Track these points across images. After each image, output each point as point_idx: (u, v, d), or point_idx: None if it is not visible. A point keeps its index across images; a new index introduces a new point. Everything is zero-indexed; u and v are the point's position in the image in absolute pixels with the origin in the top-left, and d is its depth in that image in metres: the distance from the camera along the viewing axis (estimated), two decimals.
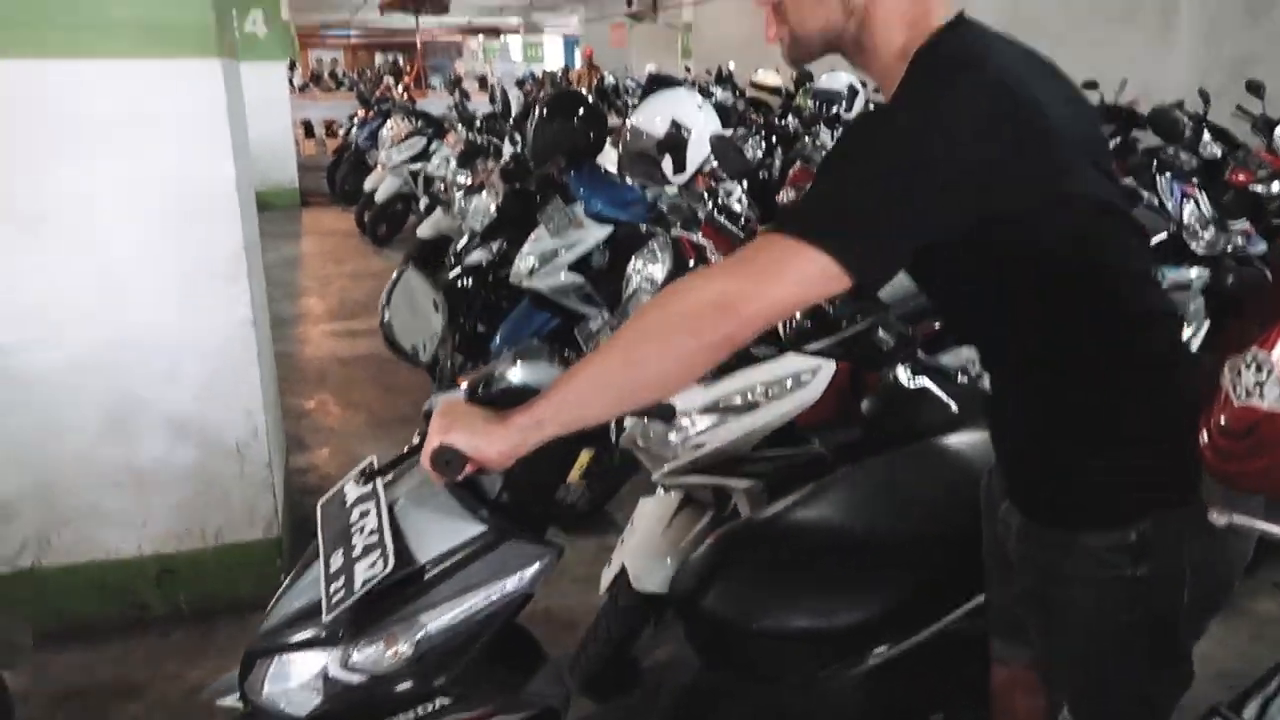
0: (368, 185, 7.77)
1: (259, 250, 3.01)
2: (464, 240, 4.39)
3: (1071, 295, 1.12)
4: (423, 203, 6.57)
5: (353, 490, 1.31)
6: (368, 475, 1.31)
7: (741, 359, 2.25)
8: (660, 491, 2.26)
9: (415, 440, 1.27)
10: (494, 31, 31.69)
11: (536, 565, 1.23)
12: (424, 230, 5.62)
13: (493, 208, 4.24)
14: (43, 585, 2.64)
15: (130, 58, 2.41)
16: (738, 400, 2.17)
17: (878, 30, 1.15)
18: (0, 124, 2.38)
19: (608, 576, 2.16)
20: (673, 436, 2.16)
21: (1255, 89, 6.22)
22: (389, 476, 1.32)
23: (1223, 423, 0.99)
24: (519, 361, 1.32)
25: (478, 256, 4.22)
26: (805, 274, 1.02)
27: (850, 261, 1.01)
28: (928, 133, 1.02)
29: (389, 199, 7.41)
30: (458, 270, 4.28)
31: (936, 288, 1.28)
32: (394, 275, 2.59)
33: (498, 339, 3.61)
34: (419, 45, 17.37)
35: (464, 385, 1.29)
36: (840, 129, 5.03)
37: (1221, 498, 1.01)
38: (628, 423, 2.34)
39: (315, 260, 7.41)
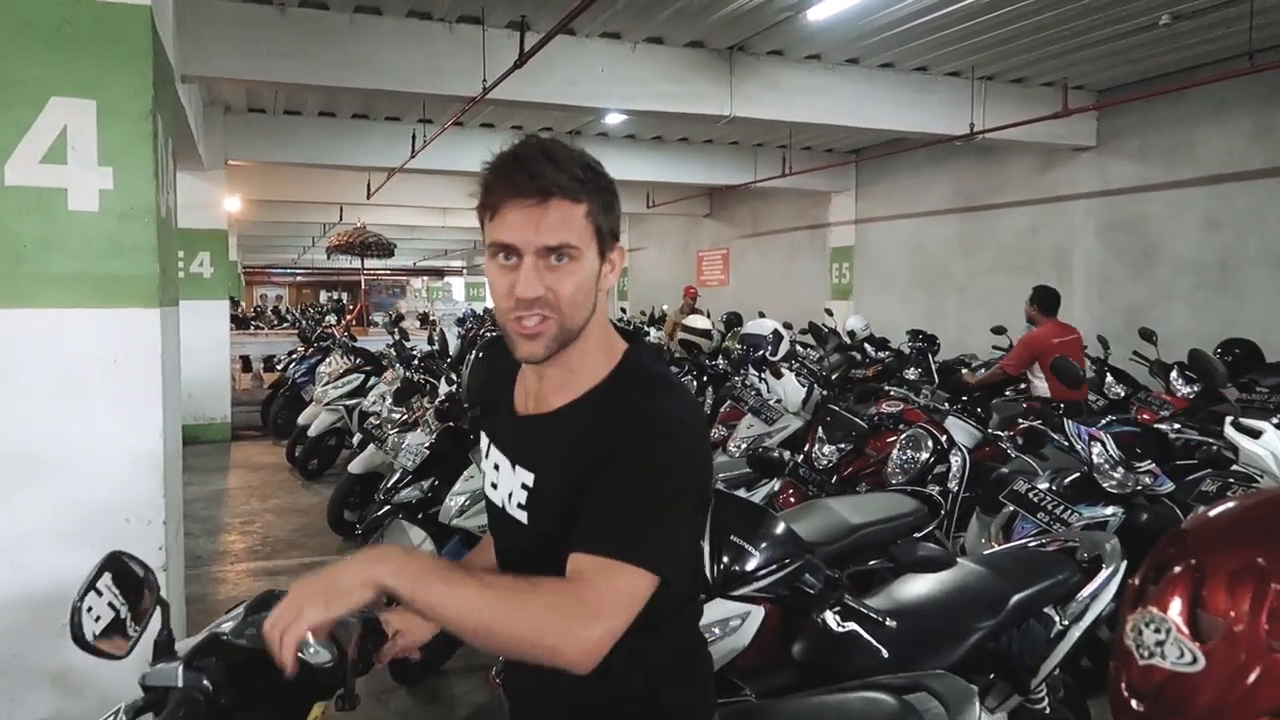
0: (301, 420, 7.74)
1: (179, 493, 2.95)
2: (395, 477, 4.36)
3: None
4: (356, 438, 6.54)
5: None
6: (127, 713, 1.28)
7: None
8: None
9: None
10: (438, 273, 32.98)
11: None
12: (355, 466, 5.56)
13: (425, 445, 4.25)
14: None
15: (68, 307, 2.44)
16: None
17: (596, 321, 1.29)
18: None
19: None
20: None
21: (1147, 335, 6.71)
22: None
23: (1129, 683, 0.99)
24: None
25: (408, 494, 4.18)
26: (640, 596, 1.14)
27: (675, 576, 1.18)
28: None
29: (322, 433, 7.38)
30: (387, 508, 4.21)
31: None
32: None
33: None
34: (363, 285, 17.98)
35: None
36: (765, 371, 5.25)
37: None
38: None
39: (240, 495, 7.20)
